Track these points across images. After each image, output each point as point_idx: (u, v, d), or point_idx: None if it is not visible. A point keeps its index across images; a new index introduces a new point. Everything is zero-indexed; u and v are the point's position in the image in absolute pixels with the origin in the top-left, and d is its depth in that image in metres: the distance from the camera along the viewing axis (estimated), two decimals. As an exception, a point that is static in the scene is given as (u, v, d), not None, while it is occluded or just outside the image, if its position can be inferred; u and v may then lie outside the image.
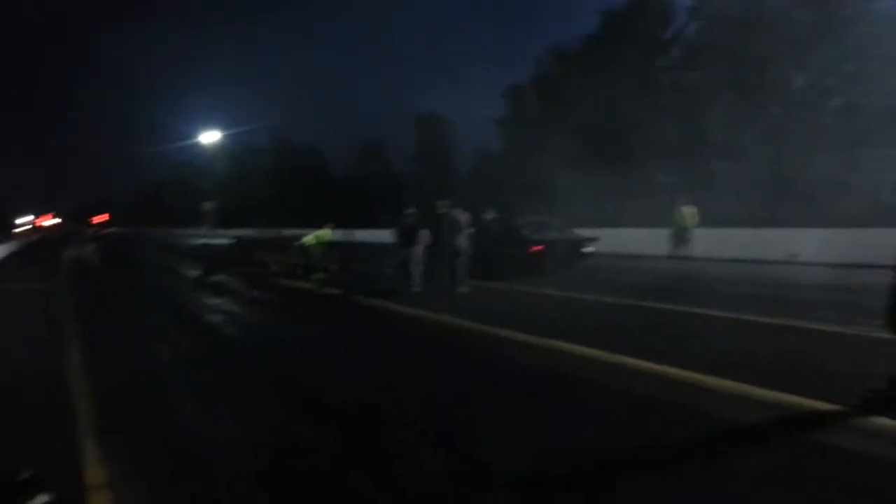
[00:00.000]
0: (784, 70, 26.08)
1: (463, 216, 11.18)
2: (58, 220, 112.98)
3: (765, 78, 26.56)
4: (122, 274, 18.47)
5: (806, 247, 15.48)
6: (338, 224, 26.56)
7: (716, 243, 17.75)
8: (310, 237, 15.21)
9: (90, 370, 6.13)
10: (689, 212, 17.53)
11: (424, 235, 11.83)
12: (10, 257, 28.62)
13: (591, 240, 14.55)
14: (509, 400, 4.80)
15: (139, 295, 13.17)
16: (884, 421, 3.87)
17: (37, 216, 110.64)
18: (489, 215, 16.43)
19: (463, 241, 11.07)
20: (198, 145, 48.03)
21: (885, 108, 23.08)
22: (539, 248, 13.04)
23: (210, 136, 42.67)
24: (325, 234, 15.31)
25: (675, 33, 32.11)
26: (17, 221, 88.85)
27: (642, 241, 19.92)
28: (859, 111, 23.65)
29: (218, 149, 56.52)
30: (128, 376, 5.98)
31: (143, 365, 6.44)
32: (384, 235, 11.86)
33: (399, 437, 4.03)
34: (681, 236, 17.56)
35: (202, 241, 35.87)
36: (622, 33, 31.94)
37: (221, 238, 37.83)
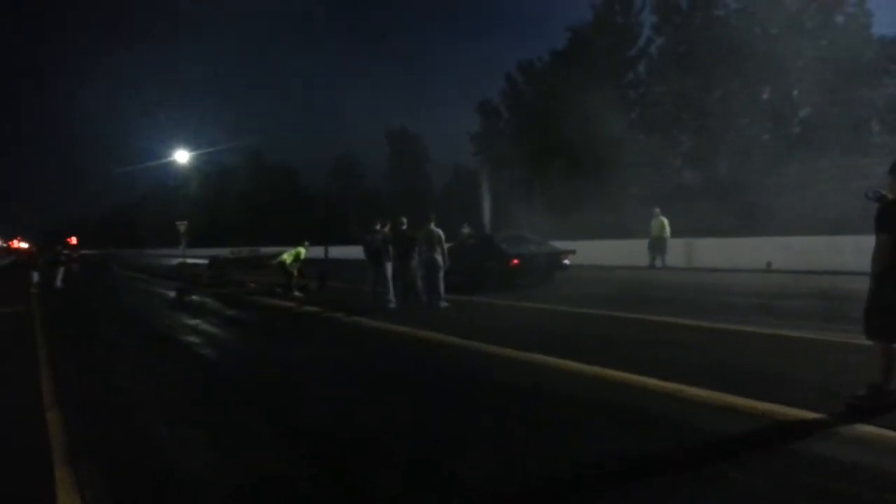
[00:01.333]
0: (750, 83, 26.63)
1: (439, 231, 11.20)
2: (26, 244, 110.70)
3: (731, 90, 27.11)
4: (95, 296, 18.13)
5: (778, 255, 15.76)
6: (314, 241, 26.43)
7: (690, 253, 18.01)
8: (286, 255, 15.09)
9: (61, 396, 5.99)
10: (663, 222, 17.74)
11: (406, 251, 11.90)
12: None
13: (568, 252, 14.66)
14: (492, 416, 4.78)
15: (113, 317, 12.96)
16: (867, 429, 3.89)
17: (7, 239, 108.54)
18: (466, 230, 16.52)
19: (439, 256, 11.09)
20: (170, 165, 47.45)
21: (851, 118, 23.72)
22: (517, 261, 13.11)
23: (182, 156, 42.16)
24: (301, 251, 15.21)
25: (640, 49, 32.66)
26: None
27: (618, 252, 20.14)
28: (825, 121, 24.24)
29: (191, 168, 55.97)
30: (100, 401, 5.86)
31: (117, 389, 6.33)
32: (360, 251, 11.87)
33: (378, 459, 3.99)
34: (658, 246, 17.75)
35: (177, 261, 35.39)
36: (589, 49, 32.38)
37: (197, 258, 37.40)
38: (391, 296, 11.54)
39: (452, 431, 4.45)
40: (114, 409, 5.60)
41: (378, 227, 11.84)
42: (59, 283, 21.07)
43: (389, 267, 11.70)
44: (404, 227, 12.05)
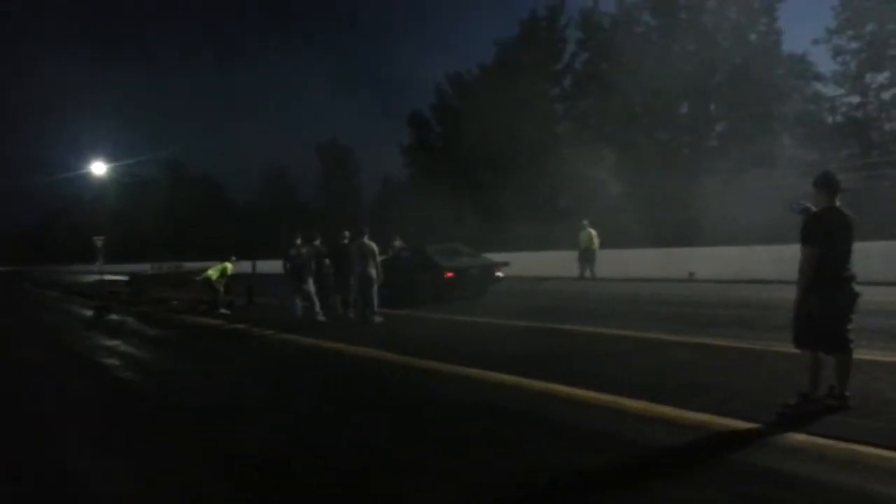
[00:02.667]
0: (669, 98, 27.65)
1: (373, 245, 11.07)
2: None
3: (652, 105, 28.08)
4: (5, 315, 17.04)
5: (700, 265, 16.32)
6: (241, 255, 25.72)
7: (617, 264, 18.43)
8: (212, 270, 14.55)
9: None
10: (592, 233, 18.08)
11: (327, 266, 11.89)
12: None
13: (501, 264, 14.74)
14: (431, 435, 4.69)
15: (26, 338, 12.19)
16: (799, 437, 3.99)
17: None
18: (398, 243, 16.40)
19: (373, 270, 10.94)
20: (86, 177, 45.52)
21: (763, 132, 24.95)
22: (451, 274, 13.07)
23: (98, 168, 40.43)
24: (228, 266, 14.68)
25: (565, 64, 33.46)
26: None
27: (549, 264, 20.43)
28: (740, 135, 25.44)
29: (108, 181, 53.79)
30: (9, 429, 5.45)
31: (27, 416, 5.89)
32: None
33: (316, 487, 3.83)
34: (587, 258, 18.07)
35: (94, 277, 33.79)
36: (516, 63, 32.96)
37: (116, 274, 35.82)
38: (318, 308, 11.57)
39: (391, 452, 4.31)
40: (27, 439, 5.20)
41: (298, 241, 11.73)
42: None
43: (311, 282, 11.73)
44: (345, 240, 11.91)
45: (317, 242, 12.42)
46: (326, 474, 4.00)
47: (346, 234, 12.06)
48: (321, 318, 11.36)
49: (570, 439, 4.37)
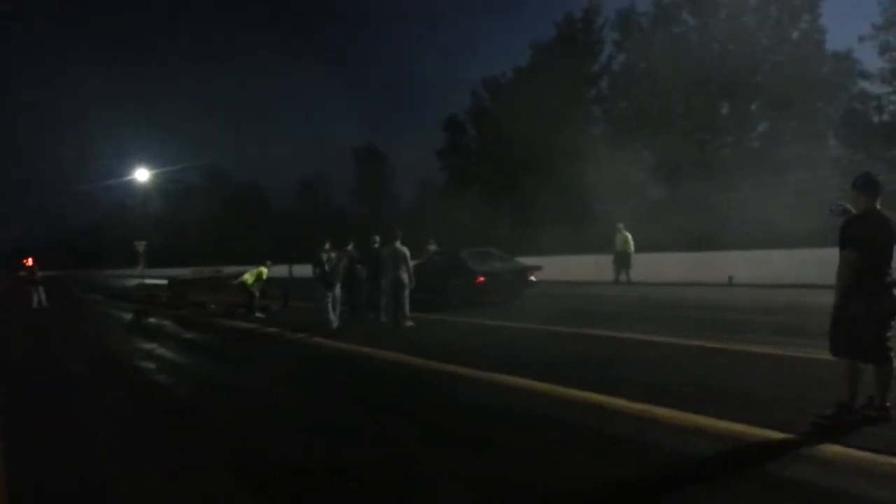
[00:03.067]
0: (710, 98, 27.15)
1: (405, 249, 11.08)
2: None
3: (691, 106, 27.61)
4: (48, 319, 17.51)
5: (740, 269, 15.91)
6: (279, 260, 26.04)
7: (654, 268, 18.11)
8: (248, 275, 14.76)
9: (5, 427, 5.68)
10: (627, 236, 17.80)
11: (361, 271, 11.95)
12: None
13: (534, 268, 14.60)
14: (457, 440, 4.63)
15: (65, 341, 12.50)
16: (835, 449, 3.83)
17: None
18: (432, 247, 16.37)
19: (405, 275, 10.95)
20: (131, 184, 46.70)
21: (807, 132, 24.29)
22: (483, 279, 12.99)
23: (142, 175, 41.46)
24: (264, 271, 14.90)
25: (602, 66, 33.11)
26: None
27: (584, 268, 20.18)
28: (783, 136, 24.80)
29: (152, 187, 55.13)
30: (46, 433, 5.56)
31: (65, 420, 6.00)
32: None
33: (344, 492, 3.80)
34: (622, 261, 17.80)
35: (136, 281, 34.62)
36: (552, 66, 32.69)
37: (157, 278, 36.63)
38: (332, 313, 11.57)
39: (415, 457, 4.27)
40: (61, 442, 5.30)
41: (327, 246, 11.79)
42: (35, 304, 20.86)
43: (338, 288, 11.80)
44: (376, 245, 11.97)
45: (349, 248, 12.49)
46: (350, 478, 3.98)
47: (377, 238, 12.10)
48: (335, 325, 11.42)
49: (597, 448, 4.28)
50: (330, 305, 11.59)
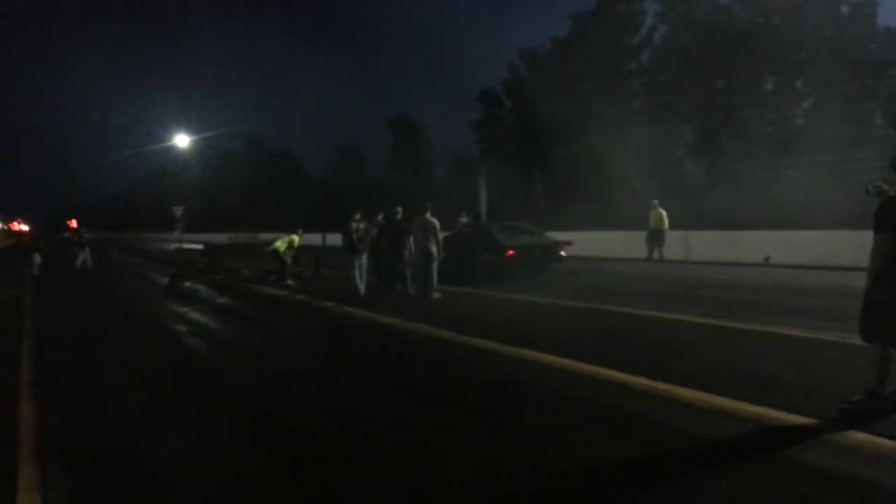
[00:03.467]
0: (753, 73, 26.35)
1: (435, 221, 11.08)
2: (26, 227, 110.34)
3: (734, 81, 26.83)
4: (89, 281, 17.99)
5: (777, 249, 15.58)
6: (313, 228, 26.27)
7: (688, 246, 17.84)
8: (280, 242, 14.93)
9: (38, 386, 5.87)
10: (661, 213, 17.53)
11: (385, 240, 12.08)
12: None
13: (564, 244, 14.48)
14: (479, 418, 4.65)
15: (104, 304, 12.85)
16: (861, 436, 3.74)
17: (7, 222, 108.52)
18: (464, 219, 16.34)
19: (434, 247, 10.96)
20: (171, 149, 47.50)
21: (853, 111, 23.45)
22: (512, 252, 12.94)
23: (182, 140, 42.07)
24: (295, 238, 15.03)
25: (643, 38, 32.28)
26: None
27: (617, 244, 19.96)
28: (828, 113, 23.98)
29: (191, 153, 55.88)
30: (77, 394, 5.74)
31: (97, 382, 6.17)
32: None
33: (363, 465, 3.85)
34: (656, 238, 17.57)
35: (174, 246, 35.28)
36: (591, 37, 31.95)
37: (195, 243, 37.29)
38: (361, 282, 11.81)
39: (439, 440, 4.26)
40: (91, 402, 5.45)
41: (358, 216, 11.86)
42: (79, 264, 21.40)
43: (365, 257, 11.94)
44: (399, 216, 12.00)
45: (379, 218, 12.53)
46: (365, 452, 4.03)
47: (399, 210, 12.11)
48: (362, 292, 11.64)
49: (616, 427, 4.25)
50: (357, 274, 11.69)
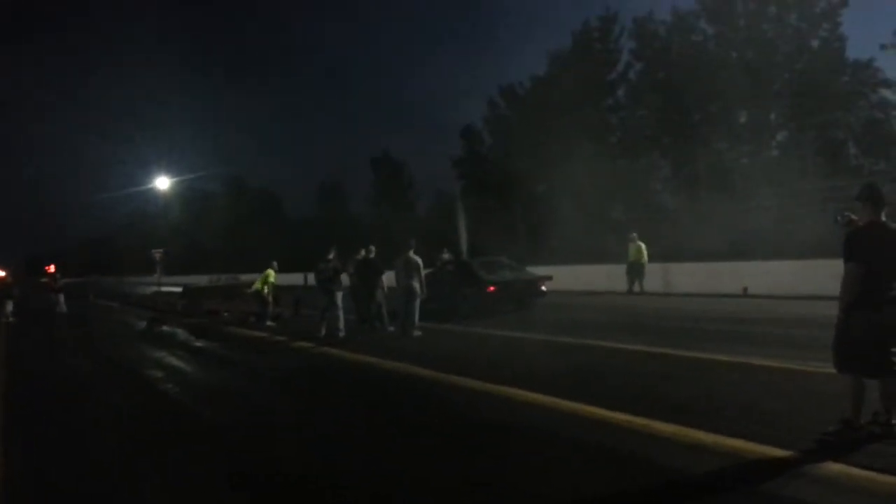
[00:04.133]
0: (727, 107, 26.87)
1: (418, 259, 11.07)
2: (2, 273, 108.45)
3: (709, 115, 27.35)
4: (65, 326, 17.69)
5: (755, 280, 15.69)
6: (295, 267, 26.09)
7: (668, 278, 17.94)
8: (258, 282, 14.82)
9: (9, 435, 5.72)
10: (640, 246, 17.64)
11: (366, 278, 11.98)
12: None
13: (545, 278, 14.50)
14: (458, 454, 4.59)
15: (79, 349, 12.63)
16: (837, 467, 3.72)
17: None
18: (445, 255, 16.35)
19: (417, 284, 10.93)
20: (150, 191, 47.30)
21: (825, 142, 23.95)
22: (493, 288, 12.93)
23: (162, 183, 41.98)
24: (270, 272, 14.87)
25: (619, 74, 32.92)
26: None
27: (597, 278, 19.99)
28: (801, 145, 24.47)
29: (171, 194, 55.68)
30: (47, 441, 5.58)
31: (67, 427, 6.03)
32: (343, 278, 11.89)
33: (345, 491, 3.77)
34: (635, 271, 17.64)
35: (153, 289, 34.88)
36: (569, 74, 32.51)
37: (175, 286, 36.88)
38: (341, 324, 11.54)
39: (421, 474, 4.22)
40: (62, 450, 5.31)
41: (331, 255, 11.81)
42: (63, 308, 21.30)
43: (340, 296, 11.74)
44: (371, 255, 12.01)
45: (360, 256, 12.49)
46: (345, 493, 3.94)
47: (371, 248, 12.30)
48: (342, 334, 11.41)
49: (597, 462, 4.21)
50: (340, 314, 11.58)
